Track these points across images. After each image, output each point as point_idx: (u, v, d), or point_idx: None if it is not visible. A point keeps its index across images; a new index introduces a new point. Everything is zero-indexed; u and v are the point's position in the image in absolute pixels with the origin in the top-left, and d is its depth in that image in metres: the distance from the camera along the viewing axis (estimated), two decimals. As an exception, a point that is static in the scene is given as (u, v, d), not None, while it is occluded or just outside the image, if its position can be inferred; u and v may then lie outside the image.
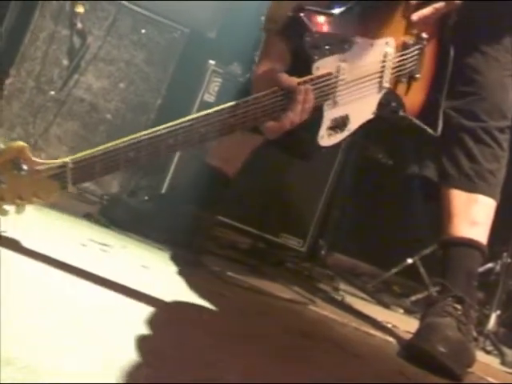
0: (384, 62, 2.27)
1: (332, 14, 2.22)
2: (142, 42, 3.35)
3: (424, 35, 2.33)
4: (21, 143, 1.84)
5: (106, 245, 2.20)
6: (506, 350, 2.92)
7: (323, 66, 2.14)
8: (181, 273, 2.25)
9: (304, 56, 2.12)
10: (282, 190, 3.28)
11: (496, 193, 2.43)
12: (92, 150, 1.88)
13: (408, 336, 2.37)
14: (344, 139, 2.22)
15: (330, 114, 2.17)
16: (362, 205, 3.79)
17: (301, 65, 2.11)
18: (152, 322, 1.61)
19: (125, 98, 3.34)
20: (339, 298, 2.88)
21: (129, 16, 3.32)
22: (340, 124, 2.18)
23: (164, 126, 1.94)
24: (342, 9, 2.25)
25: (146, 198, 2.98)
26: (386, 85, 2.27)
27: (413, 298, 3.44)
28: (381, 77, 2.26)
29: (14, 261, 1.72)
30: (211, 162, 2.67)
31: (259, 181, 3.21)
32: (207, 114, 1.98)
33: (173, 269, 2.29)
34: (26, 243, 1.83)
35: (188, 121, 1.95)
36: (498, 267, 3.28)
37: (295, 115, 2.05)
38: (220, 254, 2.80)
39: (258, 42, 2.20)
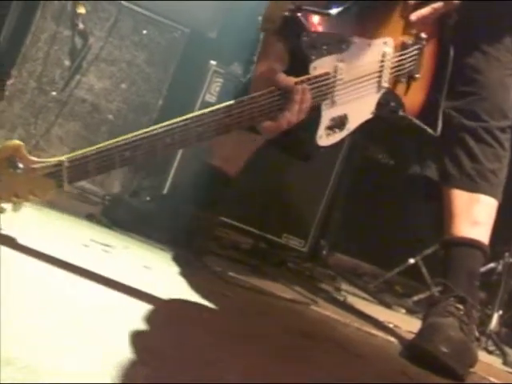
0: (382, 61, 2.26)
1: (329, 14, 2.22)
2: (143, 43, 3.35)
3: (423, 35, 2.33)
4: (16, 142, 1.85)
5: (108, 245, 2.20)
6: (508, 349, 2.92)
7: (320, 65, 2.14)
8: (182, 273, 2.25)
9: (301, 56, 2.12)
10: (283, 190, 3.28)
11: (498, 192, 2.43)
12: (88, 149, 1.89)
13: (410, 336, 2.37)
14: (343, 139, 2.22)
15: (328, 114, 2.17)
16: (364, 205, 3.78)
17: (298, 65, 2.12)
18: (152, 321, 1.61)
19: (126, 98, 3.34)
20: (341, 299, 2.88)
21: (130, 17, 3.32)
22: (338, 124, 2.18)
23: (160, 125, 1.95)
24: (339, 9, 2.25)
25: (148, 198, 2.98)
26: (385, 85, 2.27)
27: (415, 298, 3.44)
28: (379, 76, 2.26)
29: (15, 261, 1.72)
30: (211, 161, 2.67)
31: (261, 181, 3.21)
32: (203, 114, 1.98)
33: (175, 269, 2.29)
34: (27, 243, 1.83)
35: (184, 120, 1.96)
36: (499, 267, 3.27)
37: (292, 115, 2.05)
38: (222, 254, 2.80)
39: (258, 43, 2.20)
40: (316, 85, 2.12)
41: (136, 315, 1.61)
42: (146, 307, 1.70)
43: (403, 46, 2.31)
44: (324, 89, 2.14)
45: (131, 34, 3.34)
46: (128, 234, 2.53)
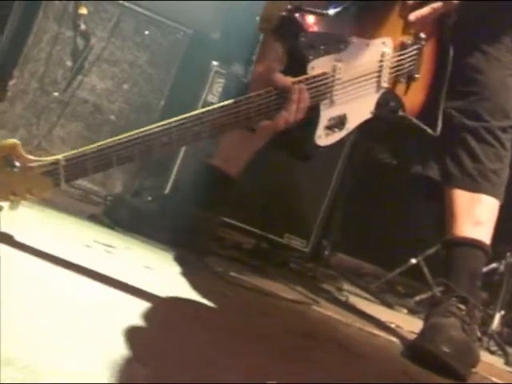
0: (381, 61, 2.26)
1: (327, 15, 2.22)
2: (145, 44, 3.35)
3: (422, 35, 2.33)
4: (13, 140, 1.85)
5: (110, 246, 2.20)
6: (510, 350, 2.91)
7: (318, 65, 2.14)
8: (184, 273, 2.25)
9: (299, 56, 2.13)
10: (285, 191, 3.28)
11: (499, 192, 2.43)
12: (85, 148, 1.89)
13: (412, 336, 2.37)
14: (344, 139, 2.22)
15: (326, 114, 2.17)
16: (366, 205, 3.78)
17: (296, 65, 2.12)
18: (152, 321, 1.61)
19: (128, 99, 3.34)
20: (343, 299, 2.88)
21: (132, 17, 3.32)
22: (338, 123, 2.18)
23: (157, 124, 1.95)
24: (337, 9, 2.25)
25: (150, 198, 2.98)
26: (385, 84, 2.27)
27: (417, 299, 3.43)
28: (379, 76, 2.26)
29: (15, 261, 1.72)
30: (212, 161, 2.67)
31: (263, 181, 3.21)
32: (200, 113, 1.99)
33: (176, 269, 2.29)
34: (29, 244, 1.83)
35: (181, 119, 1.96)
36: (501, 267, 3.26)
37: (289, 114, 2.05)
38: (223, 254, 2.80)
39: (257, 43, 2.21)
40: (314, 85, 2.12)
41: (136, 315, 1.61)
42: (146, 307, 1.70)
43: (402, 46, 2.31)
44: (322, 89, 2.14)
45: (133, 34, 3.34)
46: (130, 235, 2.53)
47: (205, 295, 2.02)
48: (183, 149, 3.17)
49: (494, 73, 2.39)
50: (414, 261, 3.52)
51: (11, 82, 3.20)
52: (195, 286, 2.11)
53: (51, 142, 3.25)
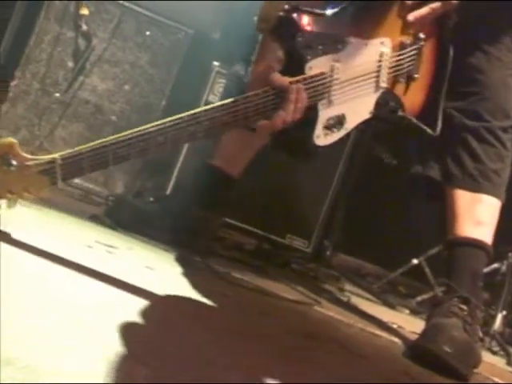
0: (380, 61, 2.26)
1: (325, 15, 2.22)
2: (146, 44, 3.35)
3: (421, 35, 2.32)
4: (10, 139, 1.86)
5: (111, 246, 2.20)
6: (512, 350, 2.91)
7: (316, 65, 2.14)
8: (185, 274, 2.25)
9: (297, 56, 2.12)
10: (287, 191, 3.28)
11: (501, 192, 2.43)
12: (81, 147, 1.90)
13: (414, 336, 2.37)
14: (344, 138, 2.22)
15: (325, 114, 2.17)
16: (367, 205, 3.78)
17: (294, 65, 2.12)
18: (152, 321, 1.61)
19: (130, 99, 3.35)
20: (345, 299, 2.87)
21: (133, 18, 3.33)
22: (336, 123, 2.18)
23: (154, 123, 1.95)
24: (335, 9, 2.24)
25: (151, 199, 2.98)
26: (383, 84, 2.27)
27: (418, 299, 3.43)
28: (377, 76, 2.26)
29: (16, 261, 1.72)
30: (212, 161, 2.67)
31: (264, 181, 3.21)
32: (197, 113, 1.99)
33: (178, 270, 2.30)
34: (29, 243, 1.83)
35: (177, 119, 1.96)
36: (503, 267, 3.26)
37: (287, 114, 2.05)
38: (225, 254, 2.80)
39: (256, 43, 2.21)
40: (312, 84, 2.12)
41: (137, 315, 1.61)
42: (146, 307, 1.70)
43: (401, 46, 2.31)
44: (320, 88, 2.14)
45: (134, 35, 3.34)
46: (131, 235, 2.53)
47: (206, 295, 2.02)
48: (184, 150, 3.18)
49: (496, 73, 2.39)
50: (415, 261, 3.52)
51: (13, 83, 3.20)
52: (196, 285, 2.11)
53: (53, 143, 3.25)
